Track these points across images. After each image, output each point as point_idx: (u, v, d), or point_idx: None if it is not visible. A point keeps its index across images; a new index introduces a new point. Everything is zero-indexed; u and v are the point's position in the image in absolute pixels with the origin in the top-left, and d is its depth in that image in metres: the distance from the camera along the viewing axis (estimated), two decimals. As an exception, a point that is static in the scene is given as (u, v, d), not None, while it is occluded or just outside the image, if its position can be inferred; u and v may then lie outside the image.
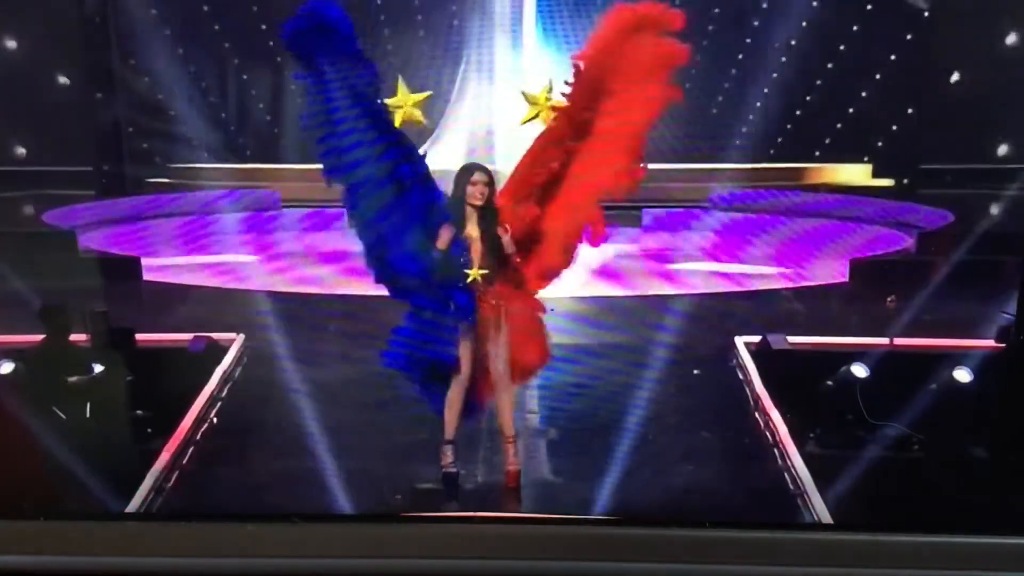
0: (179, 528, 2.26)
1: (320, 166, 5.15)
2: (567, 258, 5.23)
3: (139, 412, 6.26)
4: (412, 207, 5.10)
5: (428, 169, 5.18)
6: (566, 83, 5.10)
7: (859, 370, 6.67)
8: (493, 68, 17.53)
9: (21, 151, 17.17)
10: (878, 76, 17.16)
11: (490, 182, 5.08)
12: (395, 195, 5.09)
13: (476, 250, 5.06)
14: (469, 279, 5.06)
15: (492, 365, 5.23)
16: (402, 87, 5.11)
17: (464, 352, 5.19)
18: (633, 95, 4.97)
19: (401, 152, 5.12)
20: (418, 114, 5.10)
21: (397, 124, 5.07)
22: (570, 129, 5.06)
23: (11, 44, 17.15)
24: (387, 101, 5.06)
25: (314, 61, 5.01)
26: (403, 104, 5.07)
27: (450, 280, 5.09)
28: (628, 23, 4.96)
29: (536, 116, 5.11)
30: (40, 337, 6.53)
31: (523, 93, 5.15)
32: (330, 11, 4.97)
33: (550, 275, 5.27)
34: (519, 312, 5.19)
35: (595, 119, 5.03)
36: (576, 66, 5.07)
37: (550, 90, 5.13)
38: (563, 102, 5.06)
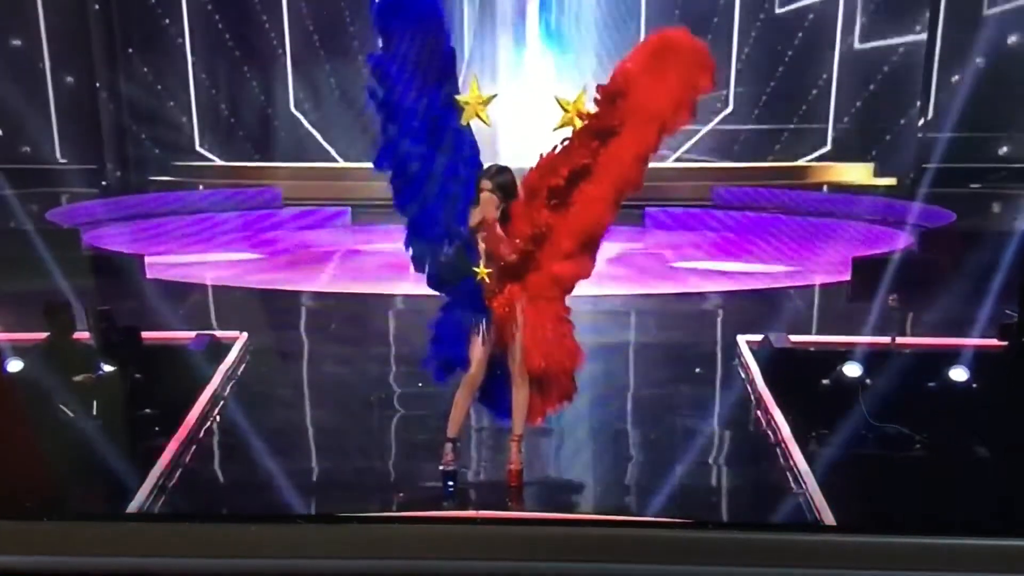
0: (181, 528, 2.27)
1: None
2: (580, 264, 5.20)
3: (144, 411, 6.26)
4: (453, 204, 5.09)
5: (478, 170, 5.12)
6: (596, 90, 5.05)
7: (858, 369, 6.65)
8: (496, 65, 17.54)
9: (26, 149, 17.19)
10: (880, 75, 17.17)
11: (499, 188, 5.02)
12: (440, 190, 5.08)
13: (483, 250, 5.06)
14: (477, 278, 5.07)
15: (509, 364, 5.24)
16: (474, 85, 5.07)
17: (473, 352, 5.17)
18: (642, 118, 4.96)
19: (458, 150, 5.09)
20: (484, 114, 5.04)
21: (463, 121, 5.05)
22: (594, 138, 5.02)
23: (16, 42, 17.17)
24: (457, 97, 5.04)
25: (396, 40, 4.97)
26: (471, 101, 5.03)
27: (463, 279, 5.11)
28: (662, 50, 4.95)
29: (569, 123, 5.04)
30: (44, 335, 6.53)
31: (556, 99, 5.05)
32: None
33: (567, 280, 5.24)
34: (537, 315, 5.17)
35: (614, 132, 5.00)
36: (613, 77, 5.02)
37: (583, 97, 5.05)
38: (593, 108, 5.00)
